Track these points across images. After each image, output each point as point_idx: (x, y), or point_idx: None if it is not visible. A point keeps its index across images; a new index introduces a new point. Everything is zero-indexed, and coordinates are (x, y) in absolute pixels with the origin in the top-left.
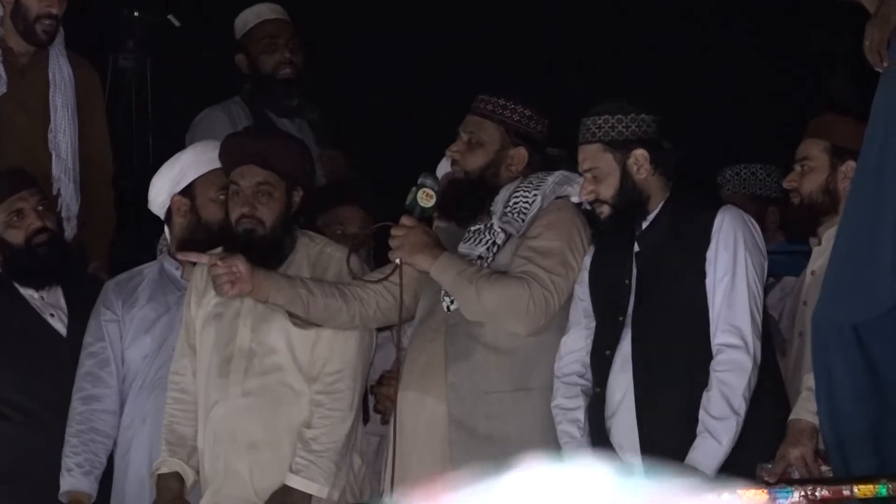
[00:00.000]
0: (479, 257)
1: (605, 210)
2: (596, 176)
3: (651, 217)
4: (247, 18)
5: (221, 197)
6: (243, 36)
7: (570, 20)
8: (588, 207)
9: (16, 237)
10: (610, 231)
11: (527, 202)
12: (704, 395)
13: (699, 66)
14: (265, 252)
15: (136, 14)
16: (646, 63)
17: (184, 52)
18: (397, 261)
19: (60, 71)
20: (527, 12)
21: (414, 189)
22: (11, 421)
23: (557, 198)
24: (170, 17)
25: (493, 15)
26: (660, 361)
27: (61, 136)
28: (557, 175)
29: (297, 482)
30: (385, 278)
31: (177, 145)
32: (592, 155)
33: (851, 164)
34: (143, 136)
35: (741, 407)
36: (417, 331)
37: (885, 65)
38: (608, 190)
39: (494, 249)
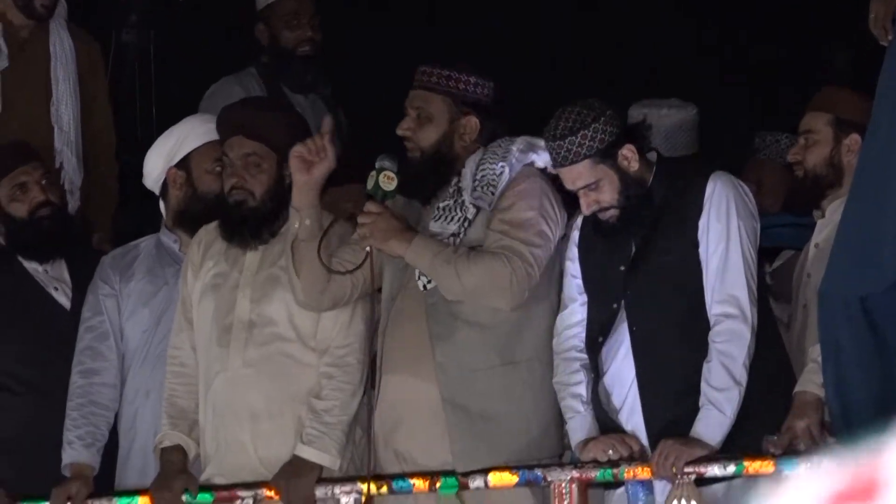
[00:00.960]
0: (453, 235)
1: (612, 213)
2: (594, 189)
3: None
4: None
5: (217, 169)
6: (266, 7)
7: (574, 16)
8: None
9: (19, 210)
10: (620, 231)
11: (494, 174)
12: (705, 366)
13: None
14: (257, 223)
15: None
16: (648, 56)
17: (187, 26)
18: (367, 249)
19: (62, 44)
20: (530, 9)
21: (374, 173)
22: (15, 394)
23: (524, 166)
24: None
25: (496, 12)
26: (658, 337)
27: (63, 108)
28: (520, 142)
29: (309, 453)
30: (357, 268)
31: (180, 119)
32: (585, 172)
33: (855, 137)
34: (147, 110)
35: (742, 376)
36: (392, 311)
37: (890, 38)
38: (610, 195)
39: (466, 225)
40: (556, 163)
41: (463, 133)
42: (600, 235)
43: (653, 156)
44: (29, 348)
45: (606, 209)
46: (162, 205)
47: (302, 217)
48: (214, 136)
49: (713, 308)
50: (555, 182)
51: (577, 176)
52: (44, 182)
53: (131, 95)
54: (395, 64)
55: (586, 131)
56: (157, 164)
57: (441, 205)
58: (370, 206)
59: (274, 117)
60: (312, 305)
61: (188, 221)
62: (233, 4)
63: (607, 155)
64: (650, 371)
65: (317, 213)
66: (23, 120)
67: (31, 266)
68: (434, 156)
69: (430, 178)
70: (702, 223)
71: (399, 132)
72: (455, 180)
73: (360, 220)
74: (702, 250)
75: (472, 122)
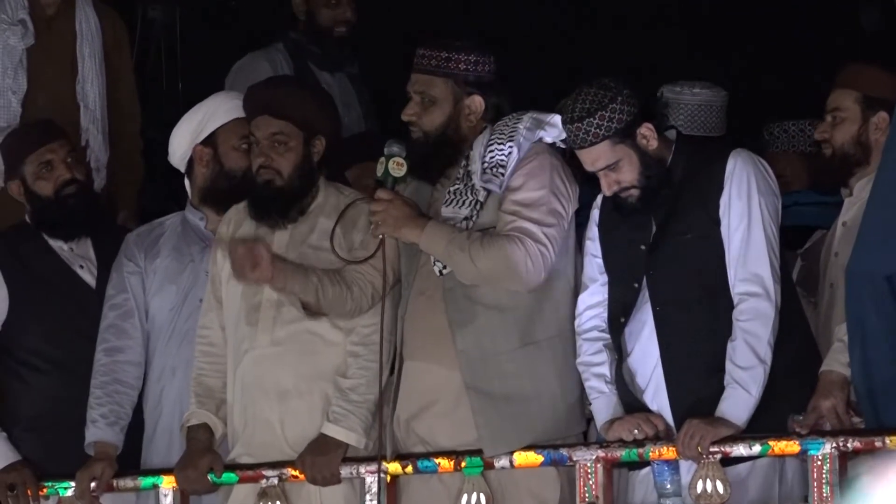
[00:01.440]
0: (465, 219)
1: (633, 193)
2: (614, 169)
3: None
4: None
5: (244, 146)
6: None
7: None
8: (562, 146)
9: (45, 189)
10: (640, 210)
11: (503, 154)
12: (729, 345)
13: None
14: (285, 202)
15: None
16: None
17: (212, 2)
18: (380, 236)
19: (87, 21)
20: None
21: (383, 160)
22: (41, 372)
23: (532, 143)
24: None
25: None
26: (681, 316)
27: (89, 86)
28: (527, 119)
29: (335, 431)
30: (371, 256)
31: (206, 95)
32: (604, 153)
33: (883, 115)
34: (173, 87)
35: (767, 355)
36: (410, 299)
37: None
38: (630, 175)
39: (478, 208)
40: (575, 144)
41: (468, 113)
42: (621, 215)
43: (672, 134)
44: (55, 326)
45: (627, 189)
46: (187, 182)
47: (289, 289)
48: (241, 112)
49: (736, 286)
50: (564, 155)
51: (596, 157)
52: (69, 160)
53: (157, 72)
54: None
55: (604, 112)
56: (183, 141)
57: (452, 188)
58: (381, 194)
59: (300, 96)
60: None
61: (214, 199)
62: None
63: (626, 135)
64: (674, 350)
65: (295, 279)
66: (49, 97)
67: (57, 244)
68: (439, 138)
69: (436, 159)
70: (723, 201)
71: (404, 118)
72: (464, 163)
73: (373, 207)
74: (723, 228)
75: (477, 102)
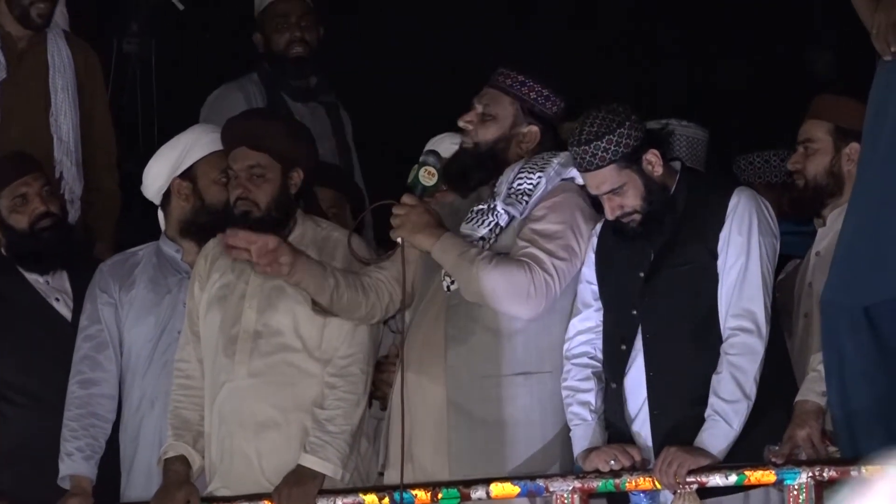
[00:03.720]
0: (482, 238)
1: (635, 218)
2: (619, 193)
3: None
4: None
5: (224, 179)
6: (260, 13)
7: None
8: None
9: (20, 222)
10: (642, 235)
11: (531, 184)
12: (715, 377)
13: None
14: (264, 231)
15: None
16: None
17: (188, 35)
18: (399, 240)
19: (59, 53)
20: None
21: (416, 167)
22: (15, 404)
23: (562, 180)
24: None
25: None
26: (671, 345)
27: (62, 118)
28: (563, 156)
29: (312, 462)
30: (387, 257)
31: (182, 128)
32: (609, 177)
33: (855, 145)
34: (149, 120)
35: (752, 391)
36: (418, 312)
37: (893, 50)
38: (634, 200)
39: (497, 231)
40: (581, 167)
41: (521, 141)
42: (622, 240)
43: (676, 164)
44: (30, 359)
45: (630, 213)
46: (161, 215)
47: (304, 286)
48: (220, 145)
49: (728, 321)
50: (593, 200)
51: (601, 181)
52: (44, 193)
53: (133, 105)
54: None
55: (612, 136)
56: (160, 173)
57: (475, 208)
58: (406, 199)
59: (278, 128)
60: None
61: (194, 232)
62: (234, 13)
63: (632, 160)
64: (661, 378)
65: (312, 276)
66: (22, 130)
67: (32, 277)
68: (487, 152)
69: (476, 172)
70: (722, 235)
71: (460, 124)
72: (494, 184)
73: (395, 210)
74: (720, 262)
75: (534, 132)
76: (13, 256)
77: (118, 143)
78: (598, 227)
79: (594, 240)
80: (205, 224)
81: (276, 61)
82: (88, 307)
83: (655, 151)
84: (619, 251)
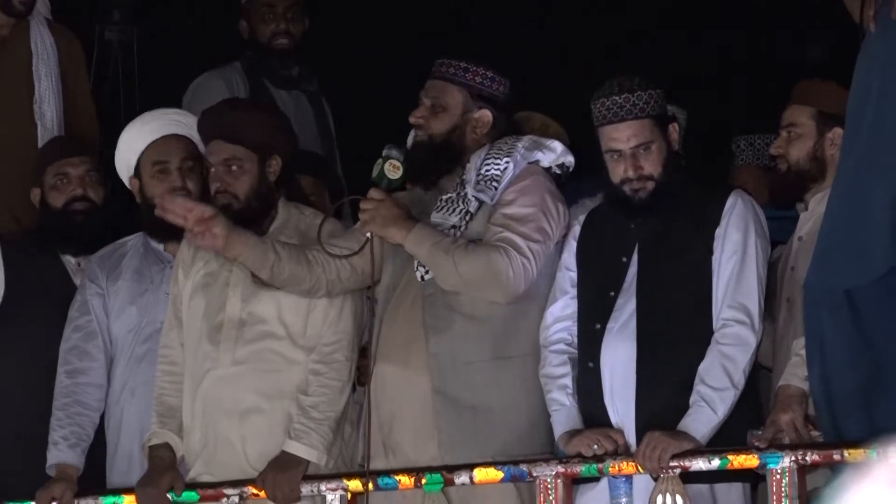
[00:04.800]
0: (453, 227)
1: (647, 186)
2: (644, 151)
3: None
4: None
5: (158, 171)
6: (246, 2)
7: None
8: (557, 172)
9: (57, 200)
10: (648, 207)
11: (498, 169)
12: (703, 365)
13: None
14: (244, 225)
15: None
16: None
17: (170, 23)
18: (368, 234)
19: (42, 41)
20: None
21: (380, 161)
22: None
23: (528, 164)
24: None
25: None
26: (663, 333)
27: (46, 105)
28: (526, 140)
29: (296, 448)
30: (356, 252)
31: None
32: (642, 130)
33: (839, 130)
34: (131, 108)
35: (740, 381)
36: (391, 302)
37: (873, 27)
38: (655, 166)
39: (468, 218)
40: (617, 117)
41: (475, 126)
42: (625, 212)
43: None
44: (49, 338)
45: (646, 178)
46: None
47: (241, 259)
48: (151, 136)
49: (723, 312)
50: (559, 182)
51: (633, 133)
52: (88, 177)
53: (115, 92)
54: (383, 58)
55: (651, 92)
56: (125, 177)
57: (444, 197)
58: (373, 193)
59: (252, 118)
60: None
61: (152, 230)
62: (216, 1)
63: (663, 123)
64: (651, 365)
65: (250, 250)
66: (6, 117)
67: (66, 258)
68: (443, 143)
69: (435, 164)
70: (718, 232)
71: (412, 120)
72: (460, 173)
73: (363, 205)
74: (715, 258)
75: (486, 116)
76: (45, 233)
77: (101, 131)
78: (583, 217)
79: (577, 228)
80: (154, 219)
81: (259, 51)
82: (78, 298)
83: (676, 126)
84: (604, 236)
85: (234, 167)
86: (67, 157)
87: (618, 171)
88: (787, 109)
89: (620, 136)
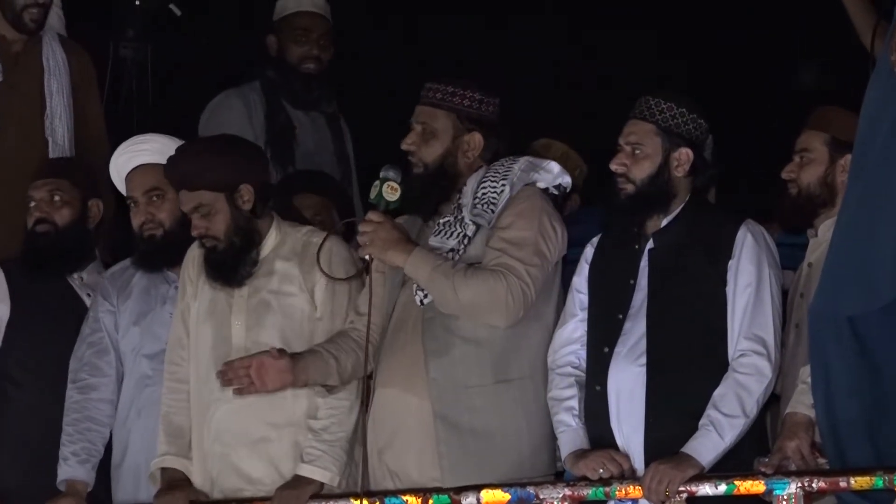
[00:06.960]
0: (451, 250)
1: (628, 188)
2: (637, 153)
3: (671, 216)
4: (287, 4)
5: (132, 206)
6: (281, 19)
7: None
8: (555, 193)
9: (28, 223)
10: (623, 213)
11: (495, 192)
12: (718, 391)
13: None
14: (233, 262)
15: (136, 2)
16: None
17: (185, 41)
18: (367, 257)
19: (54, 56)
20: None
21: (377, 183)
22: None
23: (525, 185)
24: (171, 5)
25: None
26: (674, 360)
27: (57, 121)
28: (523, 162)
29: (309, 471)
30: (355, 276)
31: (177, 133)
32: (643, 132)
33: (850, 157)
34: (144, 125)
35: (753, 411)
36: (390, 326)
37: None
38: (641, 172)
39: (465, 242)
40: (633, 113)
41: (467, 150)
42: (609, 210)
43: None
44: (57, 351)
45: (628, 181)
46: None
47: (311, 382)
48: (124, 171)
49: (740, 343)
50: (556, 202)
51: (634, 130)
52: (53, 200)
53: (129, 109)
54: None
55: (673, 105)
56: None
57: (441, 220)
58: (372, 216)
59: (206, 161)
60: None
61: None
62: (231, 20)
63: (670, 138)
64: (661, 391)
65: (315, 370)
66: (17, 133)
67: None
68: (437, 171)
69: (432, 193)
70: (731, 264)
71: (403, 147)
72: (457, 197)
73: (362, 228)
74: (729, 289)
75: (476, 139)
76: (24, 256)
77: (113, 148)
78: (596, 239)
79: (589, 250)
80: (142, 252)
81: (283, 70)
82: (90, 315)
83: (690, 154)
84: (612, 258)
85: (205, 213)
86: (35, 180)
87: (614, 160)
88: (801, 134)
89: (626, 130)
